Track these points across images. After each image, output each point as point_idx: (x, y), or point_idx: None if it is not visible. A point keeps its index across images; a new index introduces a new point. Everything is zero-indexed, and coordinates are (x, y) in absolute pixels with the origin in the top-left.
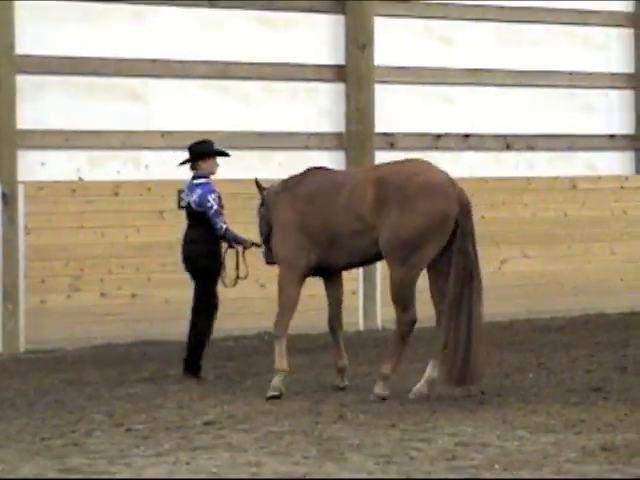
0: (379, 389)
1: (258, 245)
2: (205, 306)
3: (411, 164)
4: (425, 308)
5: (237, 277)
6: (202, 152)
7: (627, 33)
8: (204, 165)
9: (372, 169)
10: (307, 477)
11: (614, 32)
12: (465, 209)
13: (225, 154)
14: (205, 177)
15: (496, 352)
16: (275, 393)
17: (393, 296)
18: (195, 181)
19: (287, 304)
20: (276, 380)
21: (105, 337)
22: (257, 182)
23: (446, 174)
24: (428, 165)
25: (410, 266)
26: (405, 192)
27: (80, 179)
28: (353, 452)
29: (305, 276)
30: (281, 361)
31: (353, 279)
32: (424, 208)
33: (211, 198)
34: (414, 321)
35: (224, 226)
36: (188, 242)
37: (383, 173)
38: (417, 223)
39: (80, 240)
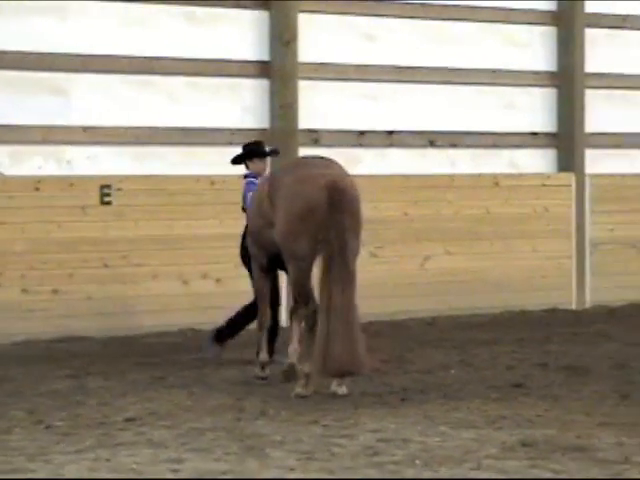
0: (300, 388)
1: None
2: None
3: (305, 160)
4: None
5: None
6: (250, 153)
7: (550, 31)
8: (251, 165)
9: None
10: (227, 476)
11: (537, 30)
12: (334, 200)
13: (270, 153)
14: (252, 176)
15: (419, 348)
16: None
17: (292, 292)
18: (244, 180)
19: (259, 299)
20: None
21: (26, 333)
22: None
23: (327, 168)
24: (318, 161)
25: (294, 261)
26: (282, 188)
27: (1, 174)
28: (275, 448)
29: (267, 271)
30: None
31: None
32: (287, 203)
33: (248, 196)
34: (316, 311)
35: None
36: (242, 236)
37: (277, 170)
38: (285, 219)
39: (1, 236)
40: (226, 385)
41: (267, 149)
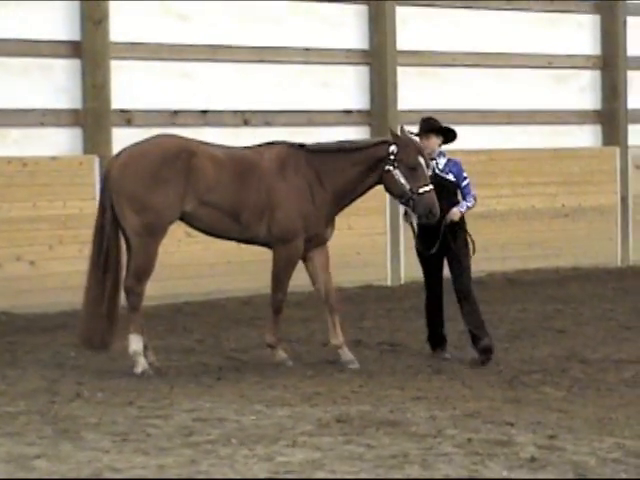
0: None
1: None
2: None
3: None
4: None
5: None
6: (421, 129)
7: (362, 10)
8: (424, 142)
9: None
10: (41, 459)
11: (350, 8)
12: (103, 184)
13: (444, 131)
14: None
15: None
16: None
17: None
18: None
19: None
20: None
21: None
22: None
23: (137, 146)
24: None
25: None
26: None
27: None
28: (89, 431)
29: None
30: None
31: None
32: None
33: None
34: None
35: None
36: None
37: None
38: None
39: None
40: (40, 368)
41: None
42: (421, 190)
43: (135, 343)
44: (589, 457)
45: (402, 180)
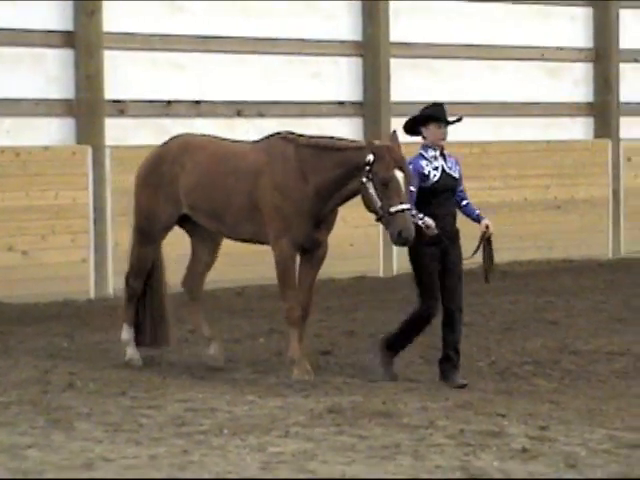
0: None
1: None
2: None
3: None
4: None
5: None
6: (425, 118)
7: (355, 2)
8: (425, 132)
9: None
10: (33, 449)
11: (343, 1)
12: None
13: (452, 122)
14: (426, 147)
15: (227, 318)
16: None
17: None
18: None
19: None
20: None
21: None
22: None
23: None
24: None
25: None
26: None
27: None
28: (82, 421)
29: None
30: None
31: (84, 247)
32: None
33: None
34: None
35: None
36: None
37: None
38: None
39: None
40: (32, 358)
41: (450, 119)
42: (393, 209)
43: (125, 333)
44: (580, 448)
45: (374, 196)
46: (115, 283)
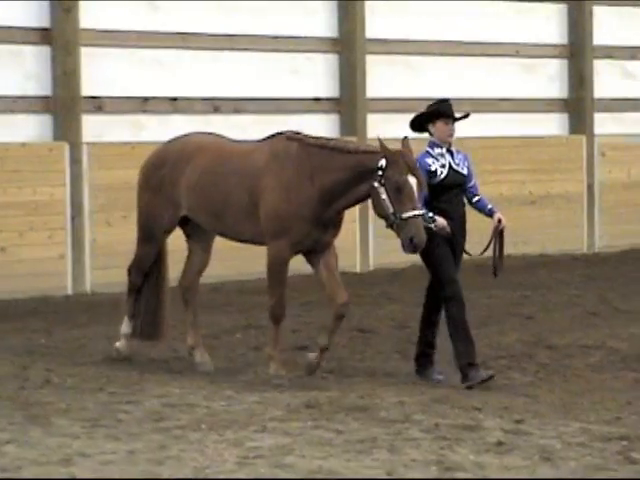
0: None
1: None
2: None
3: None
4: None
5: None
6: (429, 113)
7: None
8: (432, 129)
9: None
10: (12, 444)
11: None
12: None
13: (459, 118)
14: (432, 145)
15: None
16: None
17: None
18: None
19: None
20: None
21: None
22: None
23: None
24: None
25: None
26: None
27: None
28: (60, 417)
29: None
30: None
31: (62, 243)
32: None
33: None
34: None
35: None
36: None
37: None
38: None
39: None
40: (10, 354)
41: (457, 115)
42: (405, 215)
43: (124, 325)
44: (555, 441)
45: (386, 201)
46: (93, 279)
